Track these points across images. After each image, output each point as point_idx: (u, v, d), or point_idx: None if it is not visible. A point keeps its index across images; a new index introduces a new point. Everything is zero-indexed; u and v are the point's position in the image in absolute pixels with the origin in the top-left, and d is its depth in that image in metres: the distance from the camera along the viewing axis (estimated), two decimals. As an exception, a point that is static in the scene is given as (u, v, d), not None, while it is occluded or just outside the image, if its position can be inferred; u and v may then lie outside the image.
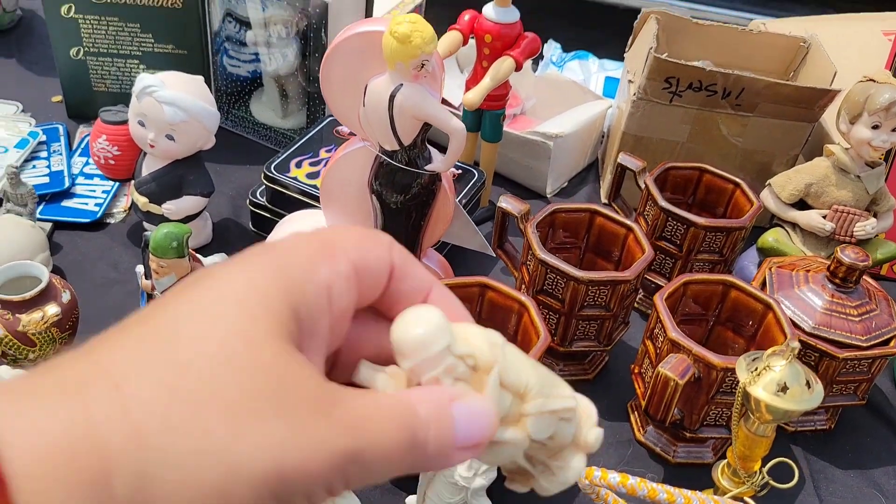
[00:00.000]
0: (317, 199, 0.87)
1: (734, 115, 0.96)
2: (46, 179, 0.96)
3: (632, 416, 0.79)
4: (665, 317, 0.69)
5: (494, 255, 0.83)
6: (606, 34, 1.39)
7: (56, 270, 0.86)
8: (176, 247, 0.72)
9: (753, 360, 0.53)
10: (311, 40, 0.97)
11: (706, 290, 0.74)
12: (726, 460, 0.57)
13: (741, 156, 1.00)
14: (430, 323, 0.25)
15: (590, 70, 1.26)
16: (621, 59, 1.13)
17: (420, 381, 0.26)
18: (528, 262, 0.78)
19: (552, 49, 1.29)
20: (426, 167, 0.69)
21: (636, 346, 0.86)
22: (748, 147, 0.99)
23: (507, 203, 0.80)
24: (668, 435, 0.75)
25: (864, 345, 0.72)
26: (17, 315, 0.68)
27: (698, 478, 0.71)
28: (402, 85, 0.64)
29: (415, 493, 0.66)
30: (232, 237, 0.95)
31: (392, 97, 0.65)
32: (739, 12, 2.50)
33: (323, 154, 0.93)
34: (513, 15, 0.87)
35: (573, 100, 1.12)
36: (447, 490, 0.62)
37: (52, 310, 0.70)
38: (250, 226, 0.96)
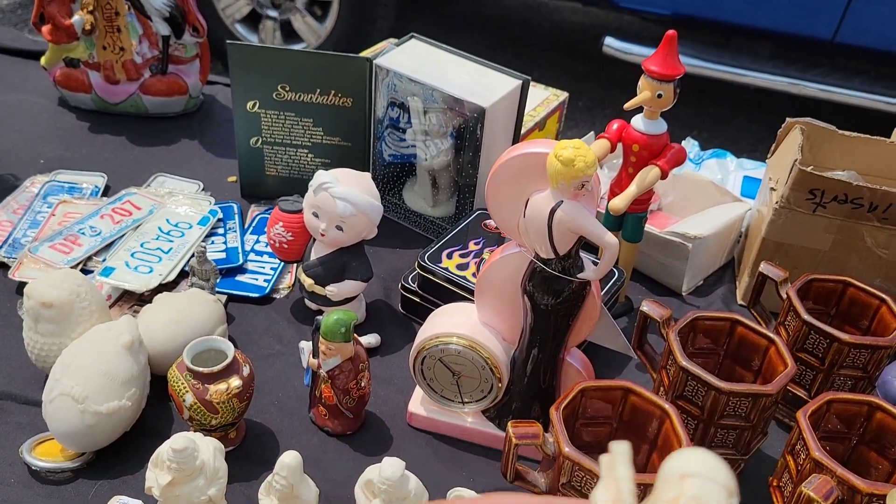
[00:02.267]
0: (464, 289, 0.94)
1: (881, 227, 0.96)
2: (223, 255, 1.07)
3: (768, 528, 0.79)
4: (808, 435, 0.70)
5: (635, 356, 0.86)
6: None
7: (229, 340, 0.95)
8: (344, 332, 0.80)
9: (905, 495, 0.54)
10: (467, 138, 1.05)
11: (850, 409, 0.75)
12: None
13: (887, 266, 1.00)
14: None
15: (727, 169, 1.29)
16: (761, 157, 1.15)
17: None
18: (668, 367, 0.81)
19: (690, 146, 1.33)
20: (578, 275, 0.74)
21: (773, 454, 0.87)
22: (895, 259, 0.99)
23: (650, 308, 0.84)
24: (806, 551, 0.75)
25: None
26: (205, 385, 0.77)
27: None
28: (562, 202, 0.70)
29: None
30: (384, 318, 1.03)
31: (552, 212, 0.70)
32: (880, 97, 2.46)
33: (472, 246, 1.00)
34: (661, 126, 0.92)
35: (710, 199, 1.15)
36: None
37: (235, 382, 0.78)
38: (399, 308, 1.04)
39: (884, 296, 0.87)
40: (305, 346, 0.92)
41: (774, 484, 0.76)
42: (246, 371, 0.80)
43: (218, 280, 1.00)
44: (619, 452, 0.32)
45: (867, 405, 0.74)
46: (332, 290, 0.95)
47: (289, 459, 0.66)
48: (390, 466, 0.66)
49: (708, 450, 0.30)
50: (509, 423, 0.71)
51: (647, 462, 0.76)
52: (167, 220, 1.10)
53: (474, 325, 0.83)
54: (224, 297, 1.01)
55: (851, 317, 0.90)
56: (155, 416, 0.85)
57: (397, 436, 0.87)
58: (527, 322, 0.79)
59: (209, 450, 0.68)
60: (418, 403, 0.88)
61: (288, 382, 0.92)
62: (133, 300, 0.99)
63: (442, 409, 0.87)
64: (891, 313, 0.86)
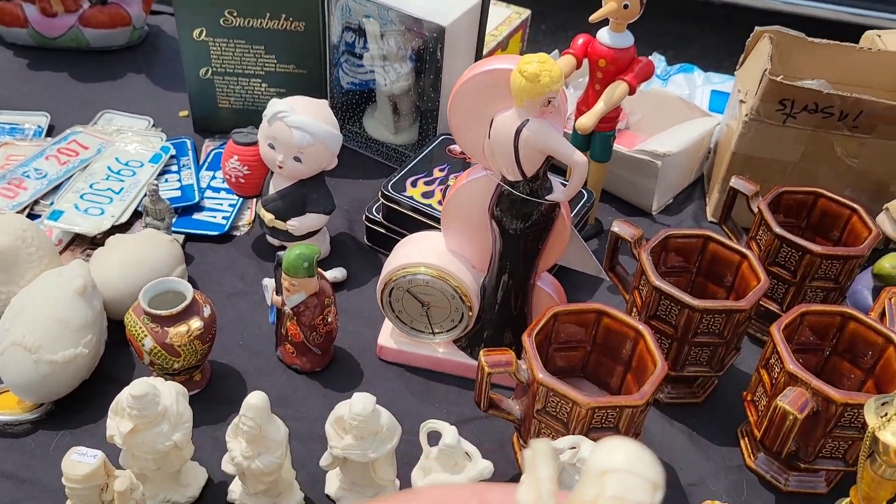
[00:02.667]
0: (431, 217, 0.91)
1: (851, 136, 0.95)
2: (178, 193, 1.02)
3: (742, 442, 0.80)
4: (783, 348, 0.70)
5: (607, 279, 0.84)
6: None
7: (189, 281, 0.92)
8: (307, 267, 0.77)
9: (883, 403, 0.54)
10: (427, 60, 1.01)
11: (823, 320, 0.74)
12: (848, 499, 0.58)
13: (856, 176, 0.98)
14: None
15: (695, 83, 1.26)
16: (728, 71, 1.12)
17: None
18: (641, 288, 0.79)
19: (657, 61, 1.29)
20: (547, 197, 0.71)
21: (747, 370, 0.87)
22: (864, 168, 0.97)
23: (621, 228, 0.82)
24: (780, 463, 0.76)
25: None
26: (165, 328, 0.74)
27: (810, 507, 0.72)
28: (528, 120, 0.67)
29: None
30: (349, 251, 1.00)
31: (518, 132, 0.67)
32: (850, 8, 2.42)
33: (437, 173, 0.97)
34: (627, 40, 0.88)
35: (679, 115, 1.12)
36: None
37: (195, 323, 0.75)
38: (365, 240, 1.01)
39: (854, 205, 0.86)
40: (269, 283, 0.89)
41: (748, 399, 0.76)
42: (207, 311, 0.77)
43: (174, 219, 0.96)
44: (541, 451, 0.30)
45: (840, 316, 0.73)
46: (294, 225, 0.91)
47: (255, 400, 0.64)
48: (360, 402, 0.64)
49: (634, 440, 0.29)
50: (481, 352, 0.69)
51: (622, 384, 0.75)
52: (117, 159, 1.05)
53: (442, 253, 0.80)
54: (181, 237, 0.97)
55: (823, 228, 0.89)
56: (115, 362, 0.82)
57: (368, 370, 0.85)
58: (496, 248, 0.77)
59: (171, 394, 0.66)
60: (388, 336, 0.86)
61: (252, 321, 0.89)
62: (85, 244, 0.95)
63: (412, 340, 0.85)
64: (861, 223, 0.85)
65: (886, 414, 0.52)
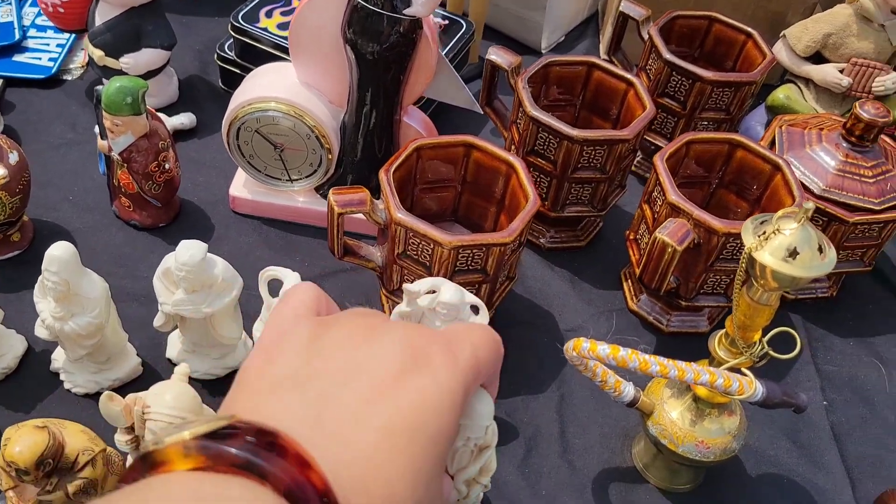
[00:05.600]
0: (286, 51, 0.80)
1: (749, -42, 0.87)
2: (-6, 31, 0.87)
3: (625, 285, 0.75)
4: (665, 178, 0.64)
5: (482, 113, 0.76)
6: None
7: (8, 131, 0.80)
8: (131, 102, 0.66)
9: (762, 223, 0.48)
10: None
11: (710, 149, 0.68)
12: (724, 330, 0.54)
13: (754, 4, 0.91)
14: None
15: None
16: None
17: None
18: (518, 121, 0.71)
19: None
20: (405, 11, 0.61)
21: (633, 211, 0.81)
22: (762, -5, 0.90)
23: (497, 55, 0.73)
24: (662, 303, 0.72)
25: (878, 208, 0.67)
26: (-41, 178, 0.63)
27: (692, 347, 0.68)
28: (373, -89, 0.56)
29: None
30: (200, 96, 0.88)
31: (363, -74, 0.56)
32: None
33: (295, 2, 0.85)
34: None
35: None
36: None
37: (-2, 172, 0.64)
38: (220, 83, 0.89)
39: (750, 30, 0.79)
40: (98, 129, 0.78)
41: (631, 237, 0.71)
42: (13, 158, 0.66)
43: (-18, 58, 0.82)
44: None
45: (728, 143, 0.68)
46: (128, 62, 0.79)
47: (58, 251, 0.54)
48: (186, 250, 0.56)
49: None
50: (331, 191, 0.60)
51: (495, 226, 0.68)
52: (-85, -8, 0.88)
53: (293, 86, 0.70)
54: (-1, 82, 0.84)
55: (716, 57, 0.83)
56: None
57: (220, 225, 0.76)
58: (353, 78, 0.67)
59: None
60: (241, 186, 0.77)
61: (86, 174, 0.78)
62: None
63: (268, 189, 0.76)
64: (756, 49, 0.79)
65: (765, 233, 0.47)
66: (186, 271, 0.55)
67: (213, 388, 0.64)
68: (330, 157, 0.72)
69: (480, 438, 0.47)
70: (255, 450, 0.24)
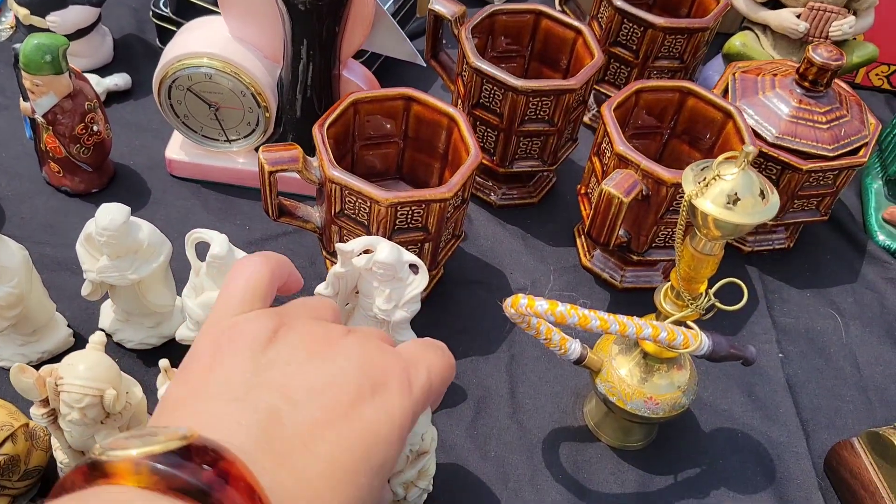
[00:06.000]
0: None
1: None
2: (-86, -8, 0.83)
3: (578, 241, 0.73)
4: (612, 129, 0.61)
5: (426, 66, 0.73)
6: None
7: (-70, 96, 0.76)
8: (50, 61, 0.62)
9: (703, 169, 0.46)
10: None
11: (661, 98, 0.66)
12: (669, 283, 0.52)
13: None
14: None
15: None
16: None
17: None
18: (462, 73, 0.69)
19: None
20: (334, -44, 0.58)
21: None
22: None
23: (440, 5, 0.70)
24: (616, 259, 0.70)
25: (831, 154, 0.65)
26: None
27: (648, 303, 0.66)
28: None
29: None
30: (137, 56, 0.84)
31: None
32: None
33: (231, -46, 0.81)
34: None
35: None
36: (366, 324, 0.56)
37: None
38: (157, 42, 0.85)
39: (703, -26, 0.77)
40: (27, 92, 0.74)
41: (582, 192, 0.69)
42: (-73, 123, 0.62)
43: None
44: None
45: (678, 91, 0.65)
46: (55, 20, 0.75)
47: (-33, 218, 0.51)
48: (107, 213, 0.53)
49: None
50: (261, 149, 0.58)
51: (440, 180, 0.66)
52: None
53: (226, 41, 0.67)
54: (-80, 45, 0.79)
55: (670, 5, 0.80)
56: None
57: (157, 189, 0.73)
58: (286, 31, 0.64)
59: None
60: (178, 148, 0.73)
61: (14, 140, 0.75)
62: None
63: (206, 151, 0.72)
64: (711, -6, 0.76)
65: (705, 179, 0.45)
66: (108, 236, 0.53)
67: (148, 358, 0.61)
68: (268, 115, 0.69)
69: (417, 445, 0.46)
70: (207, 478, 0.23)
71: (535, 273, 0.70)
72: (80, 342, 0.62)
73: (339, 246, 0.52)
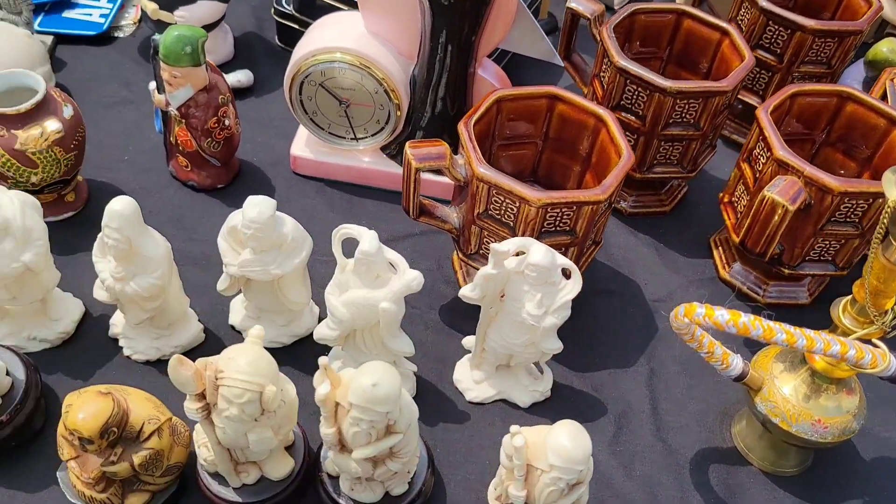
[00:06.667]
0: (357, 7, 0.75)
1: None
2: (43, -13, 0.84)
3: (715, 252, 0.69)
4: (770, 132, 0.58)
5: (562, 65, 0.71)
6: None
7: (61, 88, 0.76)
8: (190, 52, 0.61)
9: (906, 173, 0.43)
10: None
11: (816, 103, 0.62)
12: (849, 297, 0.48)
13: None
14: None
15: None
16: None
17: None
18: (602, 74, 0.66)
19: None
20: (487, -52, 0.56)
21: (721, 175, 0.76)
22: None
23: (579, 3, 0.68)
24: (758, 272, 0.66)
25: None
26: (12, 131, 0.59)
27: (790, 321, 0.62)
28: None
29: (471, 333, 0.59)
30: (256, 54, 0.84)
31: None
32: None
33: (357, -48, 0.80)
34: None
35: None
36: (512, 330, 0.54)
37: (52, 125, 0.60)
38: (276, 40, 0.85)
39: (853, -25, 0.73)
40: (154, 85, 0.74)
41: (725, 200, 0.65)
42: (68, 112, 0.62)
43: (31, 10, 0.78)
44: None
45: (837, 96, 0.62)
46: (183, 15, 0.75)
47: (119, 206, 0.50)
48: (255, 206, 0.51)
49: None
50: (407, 145, 0.56)
51: (580, 184, 0.63)
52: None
53: (361, 36, 0.65)
54: (49, 39, 0.80)
55: (813, 8, 0.76)
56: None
57: (281, 186, 0.72)
58: (425, 25, 0.62)
59: (13, 205, 0.52)
60: (303, 145, 0.72)
61: (141, 134, 0.75)
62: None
63: (332, 149, 0.71)
64: (861, -3, 0.72)
65: (912, 183, 0.41)
66: (255, 229, 0.51)
67: (279, 357, 0.60)
68: (399, 113, 0.67)
69: (573, 479, 0.43)
70: None
71: (671, 284, 0.67)
72: (210, 338, 0.60)
73: (493, 246, 0.50)
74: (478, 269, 0.56)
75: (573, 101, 0.59)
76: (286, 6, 0.81)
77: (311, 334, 0.60)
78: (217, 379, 0.43)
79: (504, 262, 0.51)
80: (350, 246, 0.51)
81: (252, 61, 0.82)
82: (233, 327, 0.61)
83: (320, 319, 0.62)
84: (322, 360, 0.44)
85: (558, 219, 0.55)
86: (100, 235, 0.53)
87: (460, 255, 0.61)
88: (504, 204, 0.55)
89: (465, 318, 0.62)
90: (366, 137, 0.70)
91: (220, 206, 0.69)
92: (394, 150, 0.71)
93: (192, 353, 0.59)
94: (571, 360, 0.61)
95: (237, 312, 0.61)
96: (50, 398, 0.56)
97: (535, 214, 0.54)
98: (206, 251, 0.65)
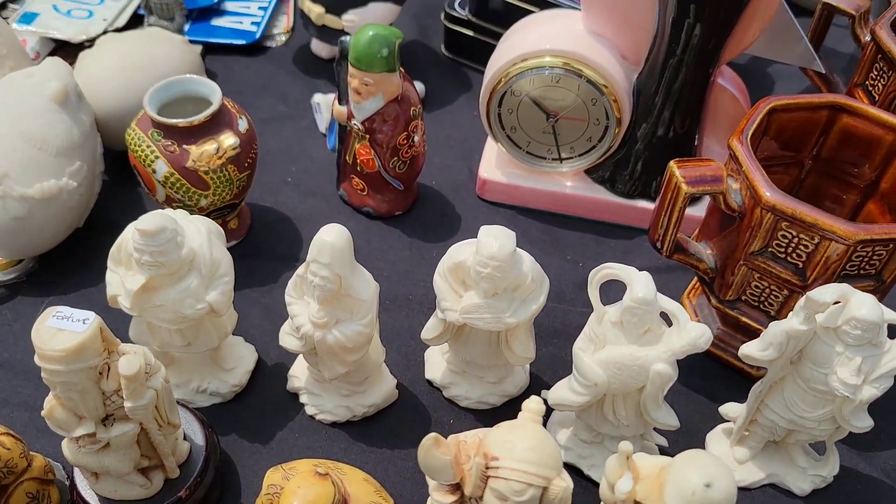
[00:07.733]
0: (547, 4, 0.65)
1: None
2: (190, -7, 0.77)
3: None
4: None
5: (823, 72, 0.59)
6: None
7: (215, 102, 0.68)
8: (386, 56, 0.52)
9: None
10: None
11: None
12: None
13: None
14: None
15: None
16: None
17: None
18: (872, 81, 0.54)
19: None
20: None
21: None
22: None
23: (837, -2, 0.56)
24: None
25: None
26: (184, 147, 0.51)
27: None
28: None
29: (723, 399, 0.48)
30: (423, 64, 0.75)
31: None
32: None
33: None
34: None
35: None
36: (805, 401, 0.42)
37: (228, 140, 0.51)
38: (442, 49, 0.75)
39: None
40: (322, 100, 0.66)
41: None
42: (243, 125, 0.53)
43: (185, 15, 0.71)
44: None
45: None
46: (352, 19, 0.66)
47: (331, 237, 0.41)
48: (494, 239, 0.41)
49: None
50: (672, 163, 0.45)
51: (855, 216, 0.51)
52: (106, -48, 0.79)
53: (579, 36, 0.55)
54: (198, 49, 0.72)
55: None
56: (116, 204, 0.60)
57: (466, 214, 0.62)
58: (665, 17, 0.51)
59: (200, 233, 0.43)
60: (492, 167, 0.62)
61: (302, 153, 0.66)
62: (71, 59, 0.70)
63: (528, 171, 0.61)
64: None
65: None
66: (493, 267, 0.41)
67: (486, 419, 0.49)
68: (617, 130, 0.56)
69: None
70: None
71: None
72: (404, 395, 0.50)
73: (809, 294, 0.38)
74: (738, 319, 0.45)
75: (865, 112, 0.47)
76: (460, 10, 0.71)
77: (522, 394, 0.50)
78: (488, 469, 0.32)
79: (817, 314, 0.39)
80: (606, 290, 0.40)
81: (418, 71, 0.73)
82: (430, 383, 0.51)
83: (531, 376, 0.51)
84: (624, 445, 0.33)
85: (865, 260, 0.43)
86: (299, 271, 0.43)
87: (713, 301, 0.50)
88: (796, 240, 0.43)
89: (707, 377, 0.51)
90: (571, 158, 0.59)
91: (399, 235, 0.60)
92: (604, 174, 0.60)
93: (384, 414, 0.49)
94: (855, 435, 0.48)
95: (436, 365, 0.51)
96: (225, 467, 0.46)
97: (843, 254, 0.42)
98: (389, 289, 0.55)
